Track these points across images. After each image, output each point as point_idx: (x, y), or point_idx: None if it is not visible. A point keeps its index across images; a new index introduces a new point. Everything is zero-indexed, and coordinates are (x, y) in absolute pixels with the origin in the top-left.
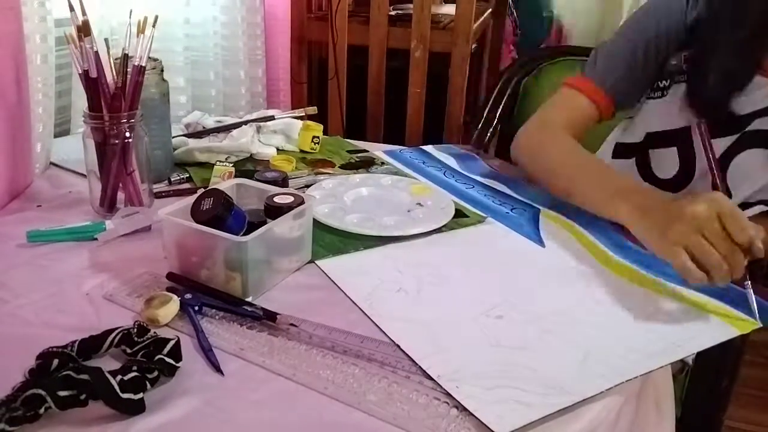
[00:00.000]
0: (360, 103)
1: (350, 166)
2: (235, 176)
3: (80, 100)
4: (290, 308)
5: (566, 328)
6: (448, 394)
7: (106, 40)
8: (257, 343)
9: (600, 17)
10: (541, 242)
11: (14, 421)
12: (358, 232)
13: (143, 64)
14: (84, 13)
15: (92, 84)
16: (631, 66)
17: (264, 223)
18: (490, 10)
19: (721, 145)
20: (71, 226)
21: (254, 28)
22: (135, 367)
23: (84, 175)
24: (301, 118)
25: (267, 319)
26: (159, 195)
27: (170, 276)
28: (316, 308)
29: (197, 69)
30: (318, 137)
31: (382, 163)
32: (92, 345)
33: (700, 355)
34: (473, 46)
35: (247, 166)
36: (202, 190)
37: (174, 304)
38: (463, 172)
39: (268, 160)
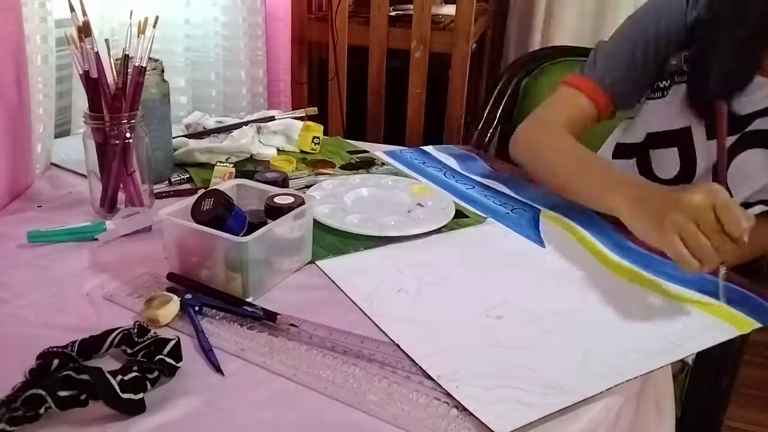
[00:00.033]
0: (360, 103)
1: (350, 167)
2: (236, 177)
3: (81, 101)
4: (290, 308)
5: (566, 328)
6: (448, 394)
7: (106, 40)
8: (257, 344)
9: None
10: (541, 243)
11: (14, 421)
12: (359, 233)
13: (144, 65)
14: (84, 14)
15: (93, 84)
16: (630, 66)
17: (264, 223)
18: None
19: None
20: (72, 227)
21: (255, 28)
22: (135, 368)
23: (84, 176)
24: (301, 118)
25: (267, 319)
26: (159, 195)
27: (170, 276)
28: (316, 308)
29: (198, 69)
30: (318, 138)
31: (383, 164)
32: (92, 345)
33: (700, 355)
34: (473, 47)
35: (248, 167)
36: (203, 190)
37: (174, 305)
38: (463, 172)
39: (269, 161)
